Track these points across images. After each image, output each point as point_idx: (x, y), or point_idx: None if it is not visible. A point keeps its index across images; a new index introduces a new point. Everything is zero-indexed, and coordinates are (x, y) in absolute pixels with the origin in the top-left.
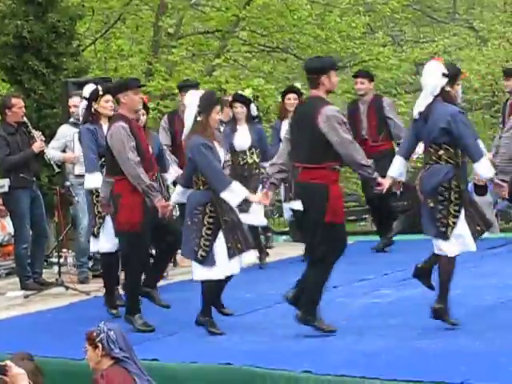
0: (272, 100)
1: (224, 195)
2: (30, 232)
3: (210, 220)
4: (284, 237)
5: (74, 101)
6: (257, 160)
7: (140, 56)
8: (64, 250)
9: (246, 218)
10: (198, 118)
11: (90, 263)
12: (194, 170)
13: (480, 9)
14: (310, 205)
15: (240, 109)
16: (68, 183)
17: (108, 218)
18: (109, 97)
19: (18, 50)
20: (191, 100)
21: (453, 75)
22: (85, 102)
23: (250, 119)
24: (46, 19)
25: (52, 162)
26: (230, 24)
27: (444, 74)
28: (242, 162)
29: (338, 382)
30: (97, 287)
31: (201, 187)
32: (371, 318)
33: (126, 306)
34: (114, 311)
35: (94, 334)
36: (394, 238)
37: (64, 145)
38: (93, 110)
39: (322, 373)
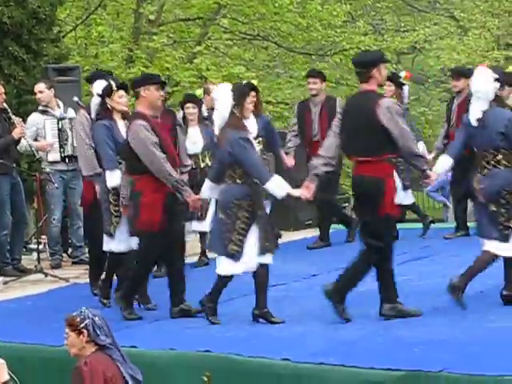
0: None
1: (269, 186)
2: (10, 218)
3: (246, 214)
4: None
5: (39, 87)
6: (209, 164)
7: (121, 43)
8: (43, 237)
9: (194, 226)
10: (234, 111)
11: (70, 250)
12: (231, 164)
13: None
14: (368, 198)
15: (192, 109)
16: (48, 169)
17: (124, 219)
18: (122, 92)
19: None
20: (223, 93)
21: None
22: (98, 98)
23: (201, 120)
24: (26, 5)
25: (33, 149)
26: (211, 11)
27: (496, 79)
28: (193, 166)
29: (316, 369)
30: (76, 274)
31: (237, 181)
32: (351, 307)
33: (123, 290)
34: (105, 301)
35: (78, 320)
36: None
37: (35, 133)
38: (108, 105)
39: (301, 360)
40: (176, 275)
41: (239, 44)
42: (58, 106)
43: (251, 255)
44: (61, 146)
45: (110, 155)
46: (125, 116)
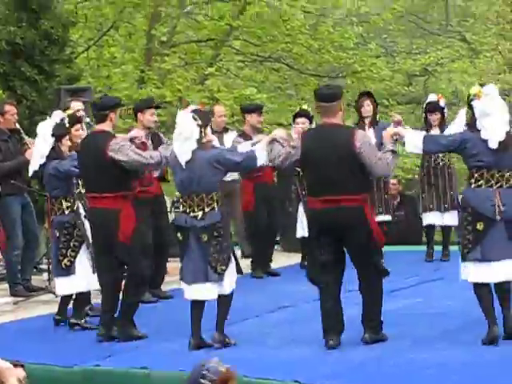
0: (263, 109)
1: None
2: (22, 239)
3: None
4: (275, 246)
5: (78, 105)
6: None
7: (133, 64)
8: None
9: None
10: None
11: None
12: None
13: (472, 21)
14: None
15: None
16: None
17: (82, 253)
18: (78, 125)
19: (10, 56)
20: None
21: None
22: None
23: None
24: (39, 26)
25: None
26: (223, 33)
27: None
28: None
29: None
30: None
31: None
32: (361, 329)
33: (124, 312)
34: None
35: None
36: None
37: None
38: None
39: (311, 383)
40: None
41: (251, 66)
42: (82, 128)
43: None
44: None
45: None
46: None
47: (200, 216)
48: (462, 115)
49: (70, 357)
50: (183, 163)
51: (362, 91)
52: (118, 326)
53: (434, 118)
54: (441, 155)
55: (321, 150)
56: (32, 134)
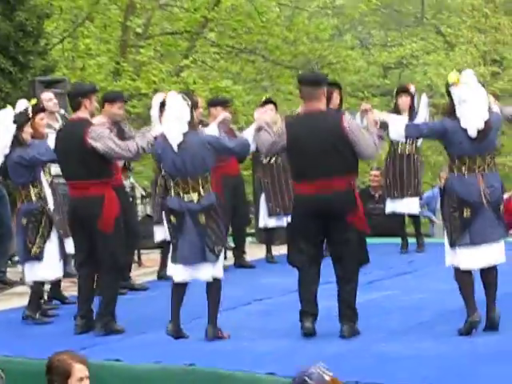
0: (239, 101)
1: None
2: None
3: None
4: (250, 238)
5: (48, 95)
6: None
7: (108, 55)
8: None
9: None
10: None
11: None
12: None
13: (448, 14)
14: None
15: None
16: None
17: (52, 239)
18: (42, 114)
19: None
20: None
21: None
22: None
23: None
24: (13, 17)
25: None
26: (198, 25)
27: (481, 83)
28: None
29: None
30: (61, 287)
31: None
32: (336, 321)
33: (105, 306)
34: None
35: None
36: None
37: None
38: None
39: (286, 375)
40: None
41: (226, 57)
42: (56, 120)
43: None
44: None
45: None
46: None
47: (196, 198)
48: (423, 101)
49: (44, 349)
50: (175, 146)
51: (330, 82)
52: (98, 320)
53: (404, 100)
54: (408, 144)
55: (309, 135)
56: None
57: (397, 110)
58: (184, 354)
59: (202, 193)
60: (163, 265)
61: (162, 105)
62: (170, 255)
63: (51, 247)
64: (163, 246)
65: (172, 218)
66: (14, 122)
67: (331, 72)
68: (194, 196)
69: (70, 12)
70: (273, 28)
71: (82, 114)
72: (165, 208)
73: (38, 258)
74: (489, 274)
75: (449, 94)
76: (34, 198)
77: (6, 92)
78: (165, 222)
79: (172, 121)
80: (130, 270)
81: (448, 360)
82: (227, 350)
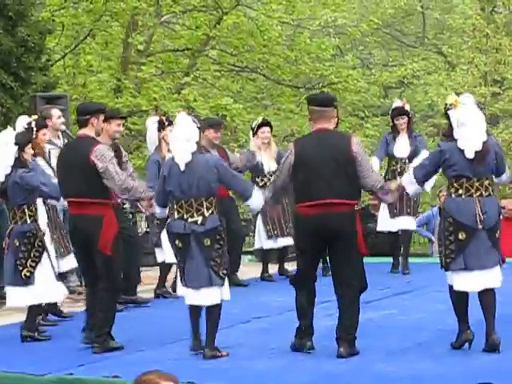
0: (239, 119)
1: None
2: None
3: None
4: (249, 256)
5: (57, 112)
6: None
7: (109, 72)
8: None
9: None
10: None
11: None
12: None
13: (449, 34)
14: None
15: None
16: None
17: (43, 263)
18: (45, 130)
19: None
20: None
21: None
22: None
23: None
24: (15, 33)
25: None
26: (199, 43)
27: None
28: None
29: None
30: (60, 303)
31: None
32: (334, 340)
33: (101, 326)
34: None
35: None
36: None
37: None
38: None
39: None
40: None
41: (227, 75)
42: (58, 137)
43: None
44: None
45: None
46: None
47: (200, 221)
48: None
49: (42, 365)
50: (183, 165)
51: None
52: (95, 341)
53: (401, 122)
54: (406, 163)
55: (318, 155)
56: None
57: (396, 131)
58: (183, 371)
59: (206, 215)
60: (161, 283)
61: (160, 124)
62: (178, 277)
63: (43, 270)
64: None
65: (177, 241)
66: (16, 143)
67: (332, 91)
68: (199, 218)
69: (71, 28)
70: (274, 47)
71: (89, 131)
72: (168, 232)
73: (28, 282)
74: (486, 297)
75: (447, 115)
76: (28, 220)
77: (7, 107)
78: (165, 244)
79: (181, 140)
80: (137, 287)
81: (446, 381)
82: (226, 368)
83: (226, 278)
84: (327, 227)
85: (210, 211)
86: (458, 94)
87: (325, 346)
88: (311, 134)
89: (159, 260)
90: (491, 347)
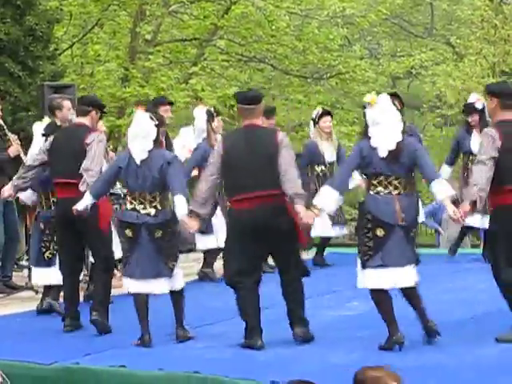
0: None
1: None
2: (3, 236)
3: None
4: None
5: (68, 104)
6: None
7: (117, 62)
8: None
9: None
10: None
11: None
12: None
13: (457, 25)
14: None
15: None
16: None
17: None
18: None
19: None
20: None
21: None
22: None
23: None
24: (23, 22)
25: None
26: (207, 32)
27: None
28: None
29: None
30: None
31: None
32: (340, 331)
33: (101, 301)
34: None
35: None
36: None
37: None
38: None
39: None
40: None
41: (235, 65)
42: None
43: None
44: None
45: None
46: None
47: (153, 213)
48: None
49: (49, 354)
50: (138, 162)
51: (390, 93)
52: (96, 316)
53: (471, 119)
54: None
55: (246, 149)
56: (15, 130)
57: (468, 127)
58: (187, 361)
59: (158, 208)
60: None
61: (210, 115)
62: (123, 269)
63: None
64: None
65: (128, 231)
66: (43, 134)
67: (340, 82)
68: (151, 210)
69: (79, 18)
70: (282, 37)
71: (86, 121)
72: (119, 222)
73: (50, 263)
74: (406, 291)
75: (363, 114)
76: (53, 206)
77: (14, 96)
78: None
79: (139, 138)
80: None
81: (454, 371)
82: (230, 358)
83: (179, 269)
84: (260, 222)
85: (164, 205)
86: (378, 93)
87: (330, 337)
88: (239, 130)
89: None
90: (431, 333)
